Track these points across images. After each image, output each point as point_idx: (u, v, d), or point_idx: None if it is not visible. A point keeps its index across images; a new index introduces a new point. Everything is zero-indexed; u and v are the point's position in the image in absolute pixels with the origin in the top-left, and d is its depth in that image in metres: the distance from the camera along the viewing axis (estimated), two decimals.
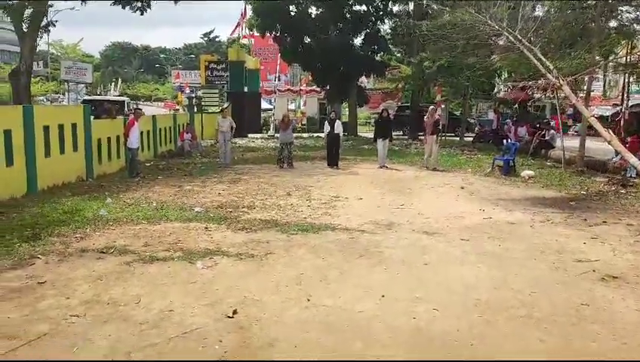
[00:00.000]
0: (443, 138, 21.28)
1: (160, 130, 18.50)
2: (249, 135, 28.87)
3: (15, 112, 9.90)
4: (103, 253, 6.65)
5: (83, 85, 38.12)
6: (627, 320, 4.79)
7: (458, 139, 25.75)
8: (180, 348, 4.15)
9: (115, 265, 6.21)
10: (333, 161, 15.46)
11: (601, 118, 18.96)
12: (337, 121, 15.66)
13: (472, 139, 25.44)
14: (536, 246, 7.33)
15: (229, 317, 4.77)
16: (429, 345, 4.30)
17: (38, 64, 42.00)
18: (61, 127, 11.42)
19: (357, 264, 6.45)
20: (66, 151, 11.61)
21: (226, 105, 19.99)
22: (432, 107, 16.95)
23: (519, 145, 17.23)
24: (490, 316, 4.86)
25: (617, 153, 14.38)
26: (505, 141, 19.29)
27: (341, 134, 15.74)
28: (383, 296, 5.33)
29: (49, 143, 10.89)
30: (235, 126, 16.55)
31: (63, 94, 42.52)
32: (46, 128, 10.75)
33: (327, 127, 15.63)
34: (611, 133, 10.28)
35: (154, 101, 59.85)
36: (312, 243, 7.34)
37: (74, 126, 11.99)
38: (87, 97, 29.63)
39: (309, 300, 5.23)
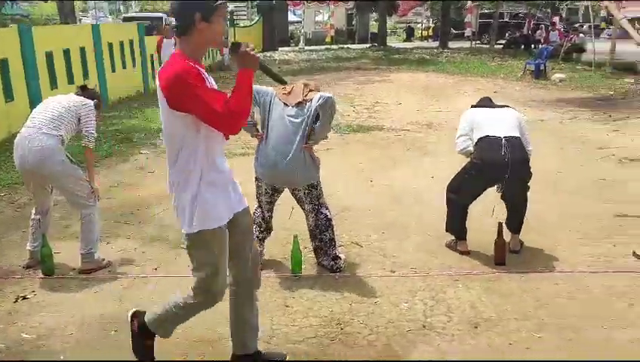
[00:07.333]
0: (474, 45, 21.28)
1: None
2: (279, 48, 29.38)
3: (86, 30, 10.85)
4: None
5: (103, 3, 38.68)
6: (638, 189, 5.81)
7: (488, 45, 25.87)
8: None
9: None
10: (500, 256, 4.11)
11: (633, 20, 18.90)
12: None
13: (502, 45, 25.56)
14: (564, 138, 8.28)
15: None
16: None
17: None
18: (121, 43, 12.36)
19: (407, 155, 7.54)
20: (127, 67, 12.63)
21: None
22: None
23: (551, 50, 17.58)
24: None
25: None
26: (535, 46, 19.58)
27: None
28: (432, 177, 6.42)
29: (113, 59, 11.89)
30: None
31: (82, 11, 42.84)
32: (110, 45, 11.71)
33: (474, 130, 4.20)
34: None
35: None
36: (364, 141, 8.42)
37: (131, 42, 12.92)
38: (127, 14, 30.23)
39: (371, 181, 6.36)
